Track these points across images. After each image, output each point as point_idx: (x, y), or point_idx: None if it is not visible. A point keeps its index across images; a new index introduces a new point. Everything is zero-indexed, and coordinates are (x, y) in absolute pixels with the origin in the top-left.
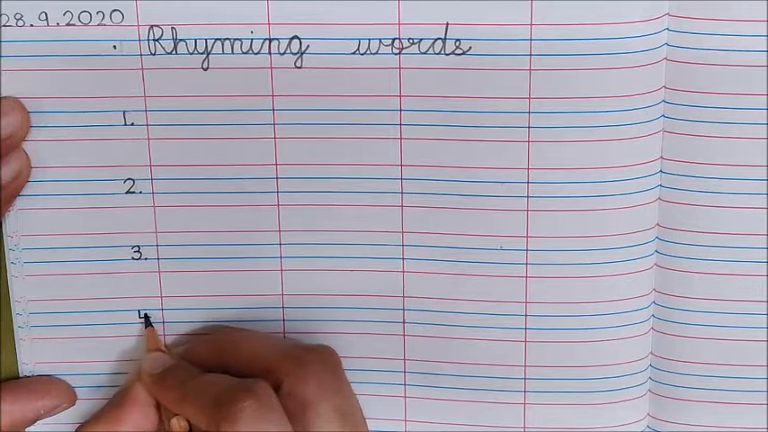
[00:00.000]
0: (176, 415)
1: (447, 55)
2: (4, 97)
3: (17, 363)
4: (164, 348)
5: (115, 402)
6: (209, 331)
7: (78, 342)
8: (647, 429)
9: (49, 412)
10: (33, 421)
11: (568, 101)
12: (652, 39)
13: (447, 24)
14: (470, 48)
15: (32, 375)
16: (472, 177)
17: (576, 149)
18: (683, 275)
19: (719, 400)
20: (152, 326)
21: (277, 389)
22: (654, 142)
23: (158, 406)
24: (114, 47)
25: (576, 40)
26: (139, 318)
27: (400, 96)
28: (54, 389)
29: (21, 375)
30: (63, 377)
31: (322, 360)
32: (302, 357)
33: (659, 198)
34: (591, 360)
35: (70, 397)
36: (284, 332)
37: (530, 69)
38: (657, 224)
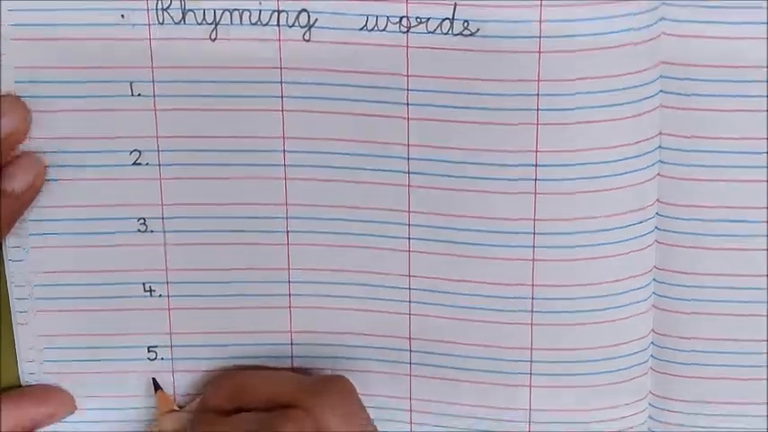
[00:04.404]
0: None
1: (455, 36)
2: (4, 96)
3: (18, 371)
4: (176, 408)
5: None
6: (217, 374)
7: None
8: (650, 407)
9: (48, 420)
10: (32, 429)
11: (578, 82)
12: (650, 15)
13: (455, 5)
14: (478, 29)
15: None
16: (480, 159)
17: (585, 131)
18: (682, 251)
19: (722, 375)
20: (161, 389)
21: None
22: (653, 119)
23: None
24: (122, 16)
25: (586, 20)
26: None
27: (408, 76)
28: (54, 397)
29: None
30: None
31: (340, 389)
32: (320, 389)
33: (659, 174)
34: (595, 341)
35: (70, 405)
36: (290, 318)
37: (539, 52)
38: (657, 200)
